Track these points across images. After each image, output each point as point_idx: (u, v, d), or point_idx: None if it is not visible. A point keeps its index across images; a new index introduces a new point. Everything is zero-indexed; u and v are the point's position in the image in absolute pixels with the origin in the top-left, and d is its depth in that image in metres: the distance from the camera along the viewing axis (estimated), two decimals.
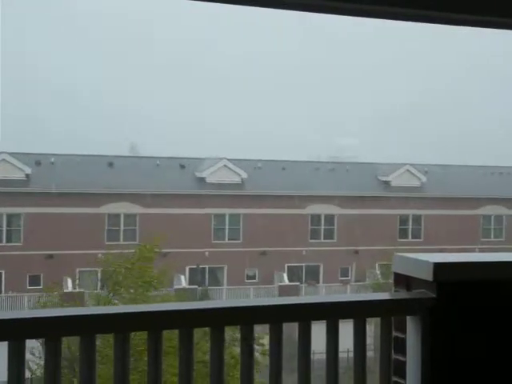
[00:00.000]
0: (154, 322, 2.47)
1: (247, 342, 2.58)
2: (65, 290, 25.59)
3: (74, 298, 22.13)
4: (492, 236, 35.02)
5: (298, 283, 31.45)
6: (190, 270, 31.24)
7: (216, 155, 33.19)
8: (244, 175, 33.16)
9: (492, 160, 35.91)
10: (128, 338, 2.43)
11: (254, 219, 32.36)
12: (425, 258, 2.88)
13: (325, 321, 2.70)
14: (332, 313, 2.70)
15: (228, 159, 33.08)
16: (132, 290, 18.59)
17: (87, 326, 2.39)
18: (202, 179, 32.79)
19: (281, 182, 33.13)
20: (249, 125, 35.28)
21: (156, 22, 33.26)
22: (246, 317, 2.60)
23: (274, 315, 2.63)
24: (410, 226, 34.72)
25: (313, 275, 33.05)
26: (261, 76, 35.22)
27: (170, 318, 2.51)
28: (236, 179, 33.03)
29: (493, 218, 35.27)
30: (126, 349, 2.42)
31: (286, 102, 35.61)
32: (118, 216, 31.44)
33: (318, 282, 32.72)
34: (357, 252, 32.83)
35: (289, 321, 2.68)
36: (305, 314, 2.67)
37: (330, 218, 33.88)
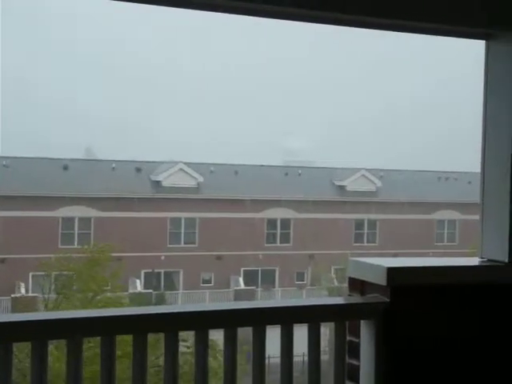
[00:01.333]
0: (107, 327, 2.44)
1: (203, 345, 2.56)
2: (17, 295, 25.22)
3: (27, 303, 21.83)
4: (446, 240, 35.49)
5: (254, 287, 31.47)
6: (146, 274, 31.03)
7: (172, 159, 33.07)
8: (200, 179, 33.08)
9: (446, 165, 36.42)
10: (80, 344, 2.39)
11: (210, 223, 32.31)
12: (378, 263, 2.90)
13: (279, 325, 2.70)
14: (286, 317, 2.70)
15: (184, 163, 32.97)
16: (80, 295, 18.41)
17: (37, 332, 2.35)
18: (158, 183, 32.61)
19: (236, 186, 33.13)
20: (202, 129, 35.25)
21: (103, 21, 32.95)
22: (200, 322, 2.59)
23: (228, 320, 2.62)
24: (366, 231, 35.01)
25: (269, 279, 33.10)
26: (214, 78, 35.24)
27: (123, 323, 2.48)
28: (192, 183, 32.93)
29: (446, 222, 35.76)
30: (78, 355, 2.39)
31: (238, 105, 35.68)
32: (72, 220, 31.09)
33: (274, 286, 32.78)
34: (312, 256, 32.98)
35: (243, 325, 2.67)
36: (259, 318, 2.67)
37: (286, 223, 33.98)
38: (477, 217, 3.21)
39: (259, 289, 31.79)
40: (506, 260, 3.05)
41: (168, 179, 32.61)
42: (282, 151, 38.30)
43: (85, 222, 31.17)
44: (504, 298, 3.02)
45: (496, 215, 3.11)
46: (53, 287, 20.62)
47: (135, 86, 33.97)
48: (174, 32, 33.51)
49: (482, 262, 3.14)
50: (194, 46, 35.09)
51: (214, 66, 35.40)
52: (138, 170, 32.76)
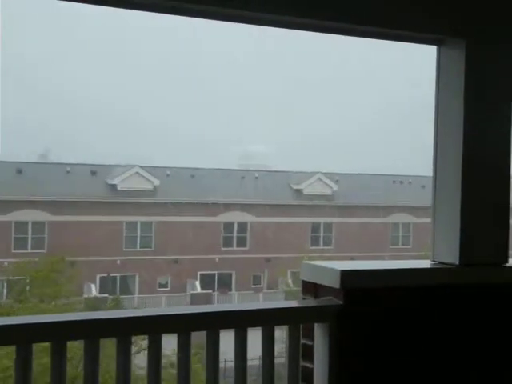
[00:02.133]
0: (57, 332, 2.41)
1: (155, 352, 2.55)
2: None
3: None
4: (400, 243, 35.86)
5: (210, 291, 31.40)
6: (101, 278, 30.74)
7: (127, 162, 32.83)
8: (156, 182, 32.90)
9: (401, 169, 36.81)
10: (30, 350, 2.36)
11: (166, 227, 32.15)
12: (332, 266, 2.92)
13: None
14: (240, 321, 2.70)
15: (141, 166, 32.75)
16: (35, 300, 18.16)
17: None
18: (114, 186, 32.35)
19: (192, 189, 33.03)
20: (160, 132, 35.09)
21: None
22: (153, 326, 2.57)
23: (182, 324, 2.61)
24: (322, 234, 35.19)
25: (225, 283, 33.06)
26: (172, 78, 35.09)
27: (74, 328, 2.45)
28: (148, 186, 32.74)
29: (401, 225, 36.15)
30: (28, 361, 2.35)
31: (196, 108, 35.61)
32: (25, 224, 30.65)
33: (231, 290, 32.76)
34: (269, 260, 33.04)
35: (197, 329, 2.66)
36: (213, 322, 2.66)
37: (242, 226, 33.99)
38: (430, 220, 3.25)
39: (216, 293, 31.73)
40: (457, 262, 3.09)
41: (124, 183, 32.36)
42: (239, 155, 38.34)
43: (39, 226, 30.76)
44: (455, 299, 3.07)
45: (447, 218, 3.15)
46: (5, 292, 20.30)
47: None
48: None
49: (434, 264, 3.18)
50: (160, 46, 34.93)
51: (173, 66, 35.30)
52: (93, 173, 32.44)
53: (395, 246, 35.39)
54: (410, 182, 37.29)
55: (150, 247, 32.38)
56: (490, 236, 3.17)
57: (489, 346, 3.09)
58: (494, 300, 3.11)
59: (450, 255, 3.10)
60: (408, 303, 2.96)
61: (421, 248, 27.78)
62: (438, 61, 3.17)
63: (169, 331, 2.65)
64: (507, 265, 3.18)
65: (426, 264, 3.24)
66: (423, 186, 33.98)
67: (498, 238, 3.18)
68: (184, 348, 2.58)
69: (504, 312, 3.13)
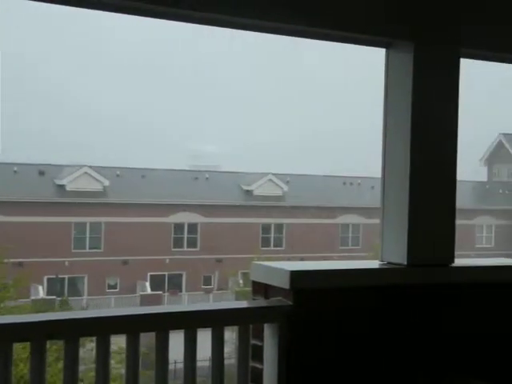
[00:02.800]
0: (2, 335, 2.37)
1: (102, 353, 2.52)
2: None
3: None
4: (350, 244, 36.16)
5: (160, 292, 31.22)
6: (49, 279, 30.31)
7: (76, 162, 32.43)
8: (106, 183, 32.59)
9: (352, 171, 37.14)
10: None
11: (115, 228, 31.85)
12: (281, 267, 2.92)
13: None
14: (189, 322, 2.69)
15: (90, 166, 32.39)
16: None
17: None
18: (62, 187, 31.92)
19: (143, 190, 32.80)
20: (110, 132, 34.76)
21: None
22: (101, 328, 2.54)
23: (131, 325, 2.58)
24: (272, 235, 35.29)
25: (176, 284, 32.91)
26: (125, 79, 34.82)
27: (19, 330, 2.41)
28: (98, 187, 32.40)
29: (350, 226, 36.47)
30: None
31: (146, 108, 35.38)
32: None
33: (181, 291, 32.62)
34: (220, 260, 33.01)
35: (146, 331, 2.64)
36: (162, 323, 2.64)
37: (193, 227, 33.88)
38: (379, 221, 3.28)
39: (166, 294, 31.56)
40: (405, 263, 3.13)
41: (72, 183, 31.96)
42: (190, 155, 38.21)
43: None
44: (403, 299, 3.10)
45: (395, 219, 3.19)
46: None
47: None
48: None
49: (382, 264, 3.21)
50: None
51: (125, 74, 35.01)
52: (42, 173, 31.97)
53: (345, 246, 35.68)
54: (359, 184, 37.66)
55: (99, 248, 32.05)
56: (437, 237, 3.21)
57: (436, 344, 3.13)
58: (441, 300, 3.16)
59: (398, 256, 3.14)
60: (357, 303, 2.98)
61: (370, 249, 28.07)
62: (387, 63, 3.20)
63: (117, 332, 2.62)
64: (453, 265, 3.23)
65: (374, 264, 3.27)
66: (373, 187, 34.35)
67: (444, 238, 3.22)
68: (132, 349, 2.56)
69: (450, 311, 3.17)
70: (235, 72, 36.60)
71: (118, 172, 33.42)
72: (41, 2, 2.61)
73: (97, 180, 32.46)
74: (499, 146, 42.62)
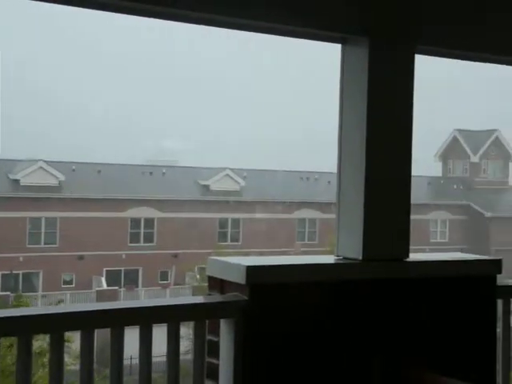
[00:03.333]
0: None
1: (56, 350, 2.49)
2: None
3: None
4: (306, 239, 36.34)
5: (116, 288, 30.99)
6: (3, 275, 29.88)
7: (31, 156, 31.99)
8: (62, 178, 32.22)
9: (309, 165, 37.32)
10: None
11: (71, 223, 31.53)
12: (237, 262, 2.92)
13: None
14: (145, 317, 2.67)
15: (45, 161, 31.98)
16: None
17: None
18: (17, 181, 31.47)
19: (99, 184, 32.52)
20: (66, 126, 34.36)
21: None
22: (55, 324, 2.51)
23: (85, 321, 2.56)
24: (229, 230, 35.28)
25: (132, 279, 32.72)
26: (85, 74, 34.45)
27: None
28: (53, 182, 32.02)
29: (307, 221, 36.64)
30: None
31: (104, 103, 35.08)
32: None
33: (138, 286, 32.44)
34: (176, 256, 32.90)
35: (101, 327, 2.62)
36: (117, 319, 2.62)
37: (149, 222, 33.70)
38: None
39: (122, 289, 31.35)
40: (360, 258, 3.15)
41: (27, 178, 31.53)
42: (147, 150, 37.99)
43: None
44: (359, 293, 3.12)
45: (351, 214, 3.20)
46: None
47: None
48: None
49: (338, 259, 3.23)
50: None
51: (88, 64, 34.61)
52: None
53: (301, 241, 35.85)
54: (316, 179, 37.85)
55: (55, 243, 31.70)
56: (392, 232, 3.24)
57: (390, 338, 3.17)
58: (396, 294, 3.19)
59: (354, 250, 3.16)
60: (312, 298, 2.99)
61: (326, 243, 28.26)
62: (343, 59, 3.22)
63: (72, 329, 2.60)
64: (408, 260, 3.27)
65: (330, 259, 3.29)
66: (329, 182, 34.55)
67: (399, 233, 3.25)
68: (87, 346, 2.53)
69: (405, 306, 3.21)
70: (198, 68, 36.46)
71: (74, 167, 33.07)
72: (36, 1, 2.62)
73: (52, 175, 32.08)
74: (454, 142, 43.25)
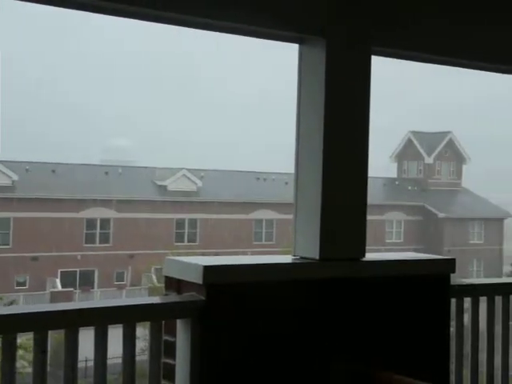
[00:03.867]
0: None
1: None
2: None
3: None
4: (264, 239, 36.40)
5: (71, 289, 30.65)
6: None
7: None
8: (15, 177, 31.76)
9: (267, 166, 37.40)
10: None
11: (25, 223, 31.09)
12: (195, 262, 2.91)
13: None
14: (100, 318, 2.64)
15: None
16: None
17: None
18: None
19: (53, 185, 32.13)
20: (17, 125, 33.90)
21: None
22: (6, 325, 2.47)
23: (38, 323, 2.52)
24: (186, 230, 35.16)
25: (87, 280, 32.40)
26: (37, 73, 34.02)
27: None
28: (6, 181, 31.54)
29: (264, 221, 36.70)
30: None
31: (56, 102, 34.72)
32: None
33: (93, 287, 32.14)
34: (132, 256, 32.68)
35: (55, 328, 2.58)
36: (71, 320, 2.58)
37: (105, 222, 33.40)
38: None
39: (78, 290, 31.02)
40: (317, 257, 3.16)
41: None
42: (103, 150, 37.65)
43: None
44: (316, 292, 3.13)
45: (308, 214, 3.21)
46: None
47: None
48: None
49: (295, 259, 3.23)
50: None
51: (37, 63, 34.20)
52: None
53: (258, 241, 35.89)
54: (273, 179, 37.94)
55: (8, 244, 31.22)
56: (348, 232, 3.26)
57: (347, 337, 3.18)
58: (352, 293, 3.21)
59: (311, 250, 3.17)
60: (270, 298, 2.99)
61: (284, 244, 28.34)
62: (300, 59, 3.22)
63: (25, 330, 2.55)
64: (364, 259, 3.29)
65: (287, 259, 3.29)
66: (287, 183, 34.66)
67: (356, 233, 3.27)
68: (40, 347, 2.49)
69: (361, 304, 3.23)
70: (159, 68, 36.28)
71: (28, 166, 32.63)
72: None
73: (5, 174, 31.60)
74: (409, 144, 43.75)
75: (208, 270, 2.83)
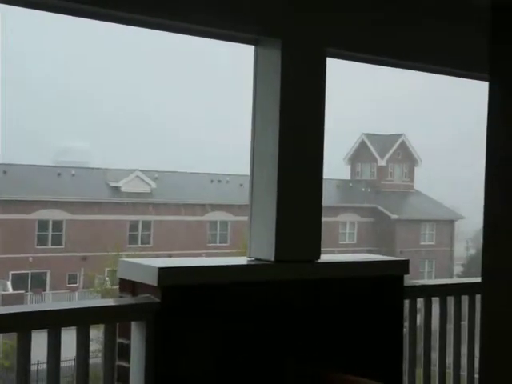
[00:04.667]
0: None
1: None
2: None
3: None
4: (218, 241, 36.34)
5: (23, 291, 30.20)
6: None
7: None
8: None
9: (218, 168, 37.34)
10: None
11: None
12: (149, 263, 2.89)
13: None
14: (53, 321, 2.61)
15: None
16: None
17: None
18: None
19: (4, 186, 31.62)
20: None
21: None
22: None
23: None
24: (140, 232, 34.91)
25: (39, 282, 31.96)
26: None
27: None
28: None
29: (219, 223, 36.64)
30: None
31: (11, 101, 34.19)
32: None
33: (45, 290, 31.71)
34: (85, 258, 32.34)
35: (6, 331, 2.54)
36: (24, 323, 2.55)
37: (58, 224, 32.99)
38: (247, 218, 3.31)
39: (29, 293, 30.58)
40: (272, 259, 3.17)
41: None
42: (56, 151, 37.21)
43: None
44: (271, 293, 3.14)
45: (263, 216, 3.22)
46: None
47: None
48: None
49: (250, 261, 3.24)
50: None
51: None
52: None
53: (213, 243, 35.82)
54: (227, 181, 37.92)
55: None
56: (303, 233, 3.27)
57: (301, 339, 3.19)
58: (307, 294, 3.22)
59: (266, 252, 3.17)
60: (225, 299, 2.99)
61: (238, 246, 28.34)
62: (256, 60, 3.23)
63: None
64: (319, 261, 3.31)
65: (242, 261, 3.30)
66: (241, 185, 34.66)
67: (311, 235, 3.29)
68: None
69: (316, 306, 3.24)
70: (104, 68, 35.94)
71: None
72: None
73: None
74: (362, 146, 44.16)
75: (163, 271, 2.82)
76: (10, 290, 30.11)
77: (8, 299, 28.67)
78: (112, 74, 36.77)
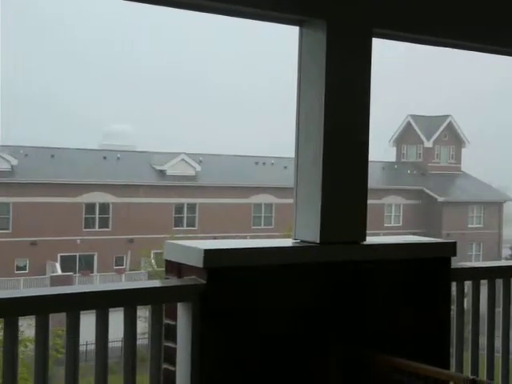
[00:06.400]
0: None
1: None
2: None
3: None
4: (263, 224, 36.42)
5: (71, 273, 30.72)
6: None
7: None
8: (14, 162, 31.75)
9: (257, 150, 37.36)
10: None
11: (25, 208, 31.11)
12: (195, 245, 2.90)
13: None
14: (101, 302, 2.64)
15: None
16: None
17: None
18: None
19: (52, 169, 32.10)
20: (16, 111, 33.83)
21: None
22: (9, 309, 2.47)
23: (40, 306, 2.52)
24: (185, 215, 35.19)
25: (87, 265, 32.47)
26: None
27: None
28: (5, 166, 31.52)
29: (263, 206, 36.72)
30: None
31: (56, 86, 34.60)
32: None
33: (93, 272, 32.21)
34: (132, 241, 32.72)
35: (56, 311, 2.58)
36: (73, 303, 2.58)
37: (104, 207, 33.42)
38: (292, 201, 3.29)
39: (77, 275, 31.09)
40: (318, 241, 3.15)
41: None
42: (101, 134, 37.61)
43: None
44: (316, 276, 3.13)
45: (308, 199, 3.20)
46: None
47: None
48: None
49: (296, 242, 3.23)
50: None
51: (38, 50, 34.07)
52: None
53: (257, 226, 35.91)
54: (272, 163, 37.91)
55: (8, 229, 31.25)
56: (349, 215, 3.25)
57: (348, 321, 3.19)
58: (353, 276, 3.20)
59: (311, 234, 3.16)
60: (270, 281, 2.99)
61: (283, 228, 28.35)
62: (300, 41, 3.20)
63: (26, 314, 2.55)
64: (365, 243, 3.28)
65: (288, 243, 3.29)
66: (286, 167, 34.63)
67: (356, 217, 3.27)
68: (42, 331, 2.49)
69: (362, 288, 3.23)
70: (155, 55, 36.13)
71: (26, 151, 32.61)
72: None
73: (4, 159, 31.59)
74: (407, 127, 43.71)
75: (209, 253, 2.83)
76: (59, 272, 30.66)
77: (57, 281, 29.20)
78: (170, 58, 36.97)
